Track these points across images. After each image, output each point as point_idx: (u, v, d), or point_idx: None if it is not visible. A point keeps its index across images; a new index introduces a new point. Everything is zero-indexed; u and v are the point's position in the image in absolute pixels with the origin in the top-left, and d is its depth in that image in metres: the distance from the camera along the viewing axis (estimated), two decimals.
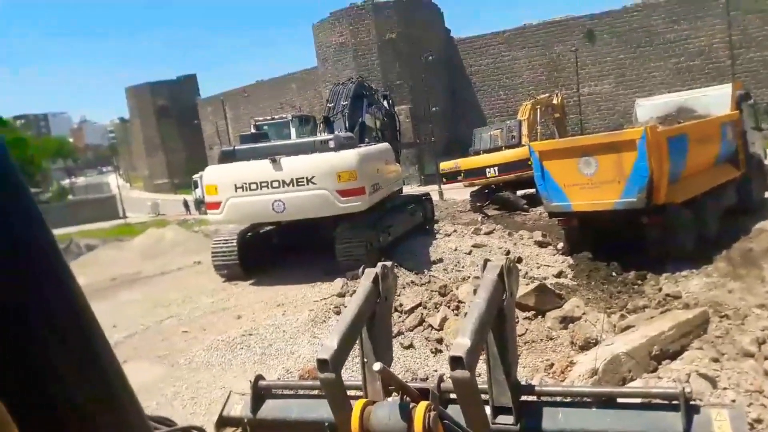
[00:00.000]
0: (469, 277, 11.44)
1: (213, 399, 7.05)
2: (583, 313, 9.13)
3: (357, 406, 2.43)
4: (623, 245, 12.52)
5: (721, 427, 2.22)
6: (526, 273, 11.91)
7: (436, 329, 9.01)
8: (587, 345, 7.99)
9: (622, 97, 43.66)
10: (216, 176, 12.57)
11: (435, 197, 22.72)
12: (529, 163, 14.26)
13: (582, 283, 11.69)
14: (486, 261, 2.74)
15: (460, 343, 2.32)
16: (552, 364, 7.50)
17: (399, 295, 9.63)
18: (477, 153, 23.60)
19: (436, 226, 16.27)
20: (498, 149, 22.80)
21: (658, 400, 2.46)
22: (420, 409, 2.32)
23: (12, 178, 0.64)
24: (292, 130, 16.13)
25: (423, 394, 2.52)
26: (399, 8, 47.74)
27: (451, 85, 49.27)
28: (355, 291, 3.11)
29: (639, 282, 11.48)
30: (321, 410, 2.81)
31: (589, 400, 3.10)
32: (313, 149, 12.12)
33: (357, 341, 2.90)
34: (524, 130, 22.99)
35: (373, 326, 2.94)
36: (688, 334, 7.13)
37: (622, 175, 12.09)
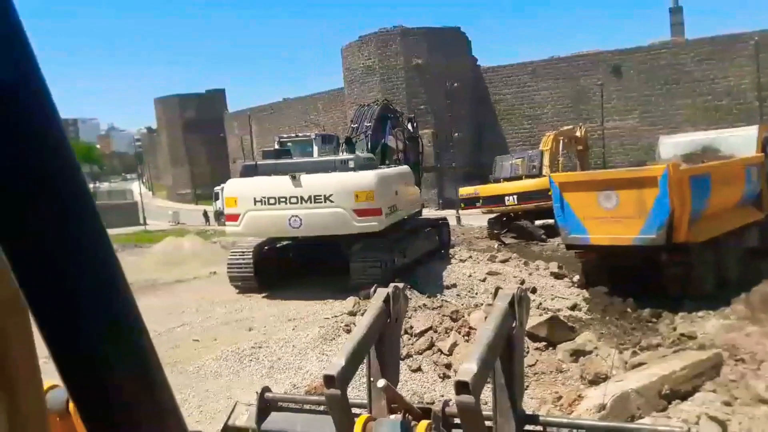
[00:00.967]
0: (482, 304, 11.38)
1: (219, 408, 7.07)
2: (595, 348, 9.02)
3: (359, 421, 2.46)
4: (640, 282, 12.37)
5: None
6: (540, 304, 11.82)
7: (445, 354, 8.96)
8: (597, 380, 7.88)
9: (646, 133, 43.36)
10: (237, 189, 12.77)
11: (452, 222, 22.70)
12: (549, 193, 14.23)
13: (596, 318, 11.57)
14: (497, 289, 2.77)
15: (467, 368, 2.34)
16: (560, 397, 7.42)
17: (410, 318, 9.62)
18: (497, 180, 23.59)
19: (451, 251, 16.24)
20: (518, 178, 22.76)
21: None
22: (421, 428, 2.34)
23: (78, 179, 0.69)
24: (315, 149, 16.30)
25: (425, 414, 2.54)
26: (427, 35, 48.25)
27: (475, 113, 49.42)
28: (366, 310, 3.15)
29: (654, 320, 11.32)
30: (325, 426, 2.83)
31: None
32: (333, 168, 12.26)
33: (365, 360, 2.93)
34: (546, 161, 22.94)
35: (381, 346, 2.97)
36: (701, 376, 7.01)
37: (643, 211, 12.01)
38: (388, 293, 2.99)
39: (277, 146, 16.49)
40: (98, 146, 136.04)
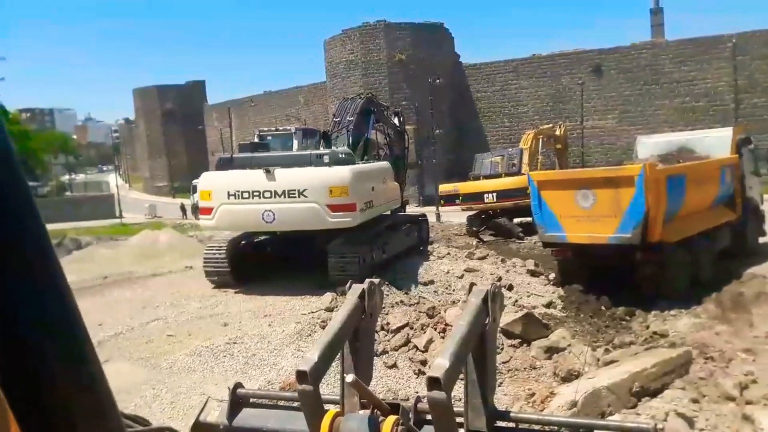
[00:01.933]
0: (459, 300, 11.43)
1: (192, 404, 7.02)
2: (569, 345, 9.12)
3: (327, 417, 2.45)
4: (615, 280, 12.53)
5: None
6: (516, 301, 11.90)
7: (421, 351, 8.99)
8: (569, 377, 7.97)
9: (624, 133, 43.89)
10: (211, 182, 12.67)
11: (432, 218, 22.75)
12: (528, 191, 14.34)
13: (570, 315, 11.69)
14: (472, 285, 2.78)
15: (439, 364, 2.34)
16: (533, 394, 7.49)
17: (387, 314, 9.63)
18: (477, 178, 23.70)
19: (430, 248, 16.28)
20: (498, 176, 22.89)
21: None
22: (388, 423, 2.34)
23: (11, 167, 0.68)
24: (295, 143, 16.20)
25: (394, 409, 2.54)
26: (411, 30, 48.28)
27: (457, 110, 49.58)
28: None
29: (627, 318, 11.48)
30: (298, 422, 2.81)
31: (564, 430, 3.12)
32: (308, 163, 12.20)
33: (338, 356, 2.92)
34: (525, 159, 23.11)
35: (355, 342, 2.96)
36: (671, 373, 7.13)
37: (619, 210, 12.15)
38: (363, 289, 2.98)
39: (256, 140, 16.35)
40: (74, 137, 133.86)
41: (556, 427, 3.36)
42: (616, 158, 39.32)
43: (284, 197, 11.83)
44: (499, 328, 4.06)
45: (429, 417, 2.65)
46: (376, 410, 2.54)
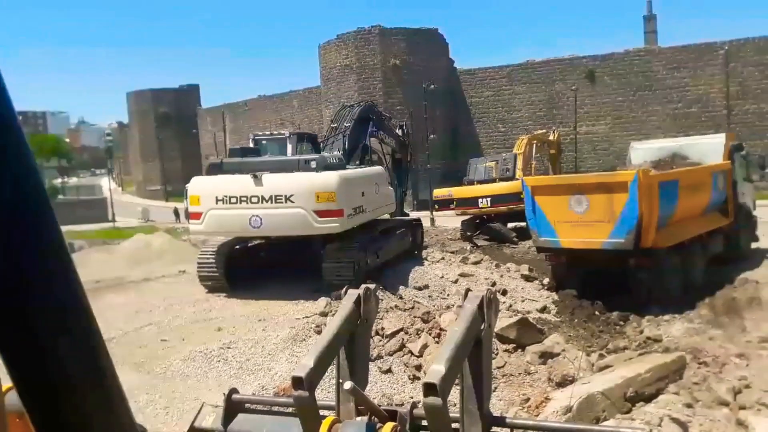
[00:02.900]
0: (453, 305, 11.43)
1: (186, 410, 6.98)
2: (563, 350, 9.14)
3: (325, 423, 2.45)
4: (609, 285, 12.57)
5: None
6: (510, 306, 11.92)
7: (416, 355, 8.98)
8: (564, 382, 7.99)
9: (618, 139, 44.11)
10: (200, 187, 12.66)
11: (426, 223, 22.77)
12: (522, 196, 14.37)
13: (565, 320, 11.72)
14: (467, 291, 2.78)
15: (435, 370, 2.35)
16: (528, 399, 7.49)
17: (381, 319, 9.62)
18: (471, 183, 23.74)
19: (424, 253, 16.29)
20: (492, 181, 22.94)
21: None
22: (386, 430, 2.34)
23: (32, 175, 0.69)
24: (289, 147, 16.20)
25: (392, 416, 2.54)
26: (405, 35, 48.42)
27: (451, 115, 49.71)
28: (337, 311, 3.14)
29: (621, 323, 11.52)
30: (293, 428, 2.81)
31: None
32: (295, 168, 12.20)
33: (334, 361, 2.92)
34: (519, 164, 23.16)
35: (351, 347, 2.96)
36: (665, 378, 7.15)
37: (612, 215, 12.20)
38: (358, 294, 2.98)
39: (252, 144, 16.36)
40: (67, 140, 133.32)
41: None
42: (609, 164, 39.52)
43: (271, 202, 11.82)
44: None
45: (425, 423, 2.65)
46: (373, 417, 2.54)
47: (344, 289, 3.13)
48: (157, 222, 48.71)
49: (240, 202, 12.00)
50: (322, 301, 10.84)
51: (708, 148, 15.76)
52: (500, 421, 2.80)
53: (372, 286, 3.11)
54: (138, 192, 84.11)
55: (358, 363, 2.99)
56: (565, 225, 12.80)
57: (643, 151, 16.86)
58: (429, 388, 2.27)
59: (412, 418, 2.72)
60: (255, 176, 11.90)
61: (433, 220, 29.35)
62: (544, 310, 12.35)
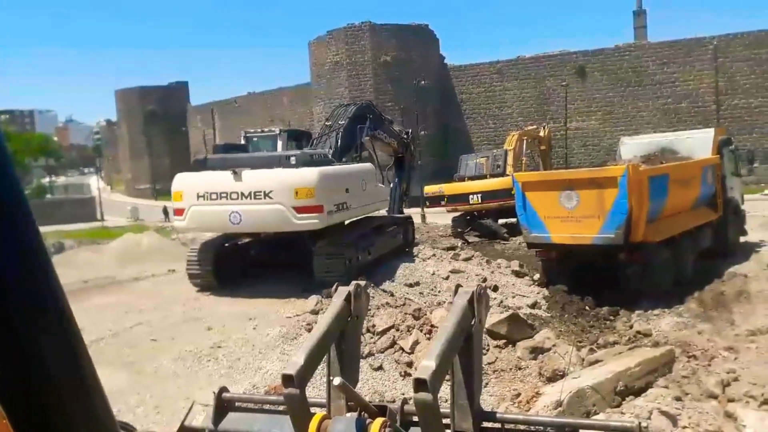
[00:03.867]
0: (444, 301, 11.44)
1: (176, 409, 6.93)
2: (554, 345, 9.17)
3: (314, 420, 2.44)
4: (599, 280, 12.63)
5: None
6: (501, 302, 11.95)
7: (407, 352, 8.98)
8: (554, 377, 8.02)
9: (608, 134, 44.35)
10: (183, 184, 12.65)
11: (417, 220, 22.78)
12: (512, 192, 14.39)
13: (555, 315, 11.76)
14: (458, 287, 2.78)
15: (426, 365, 2.34)
16: (519, 394, 7.52)
17: (372, 316, 9.61)
18: (462, 179, 23.77)
19: (415, 249, 16.29)
20: (482, 177, 22.99)
21: None
22: (375, 425, 2.34)
23: (8, 174, 0.68)
24: (279, 144, 16.15)
25: (382, 411, 2.54)
26: (396, 32, 48.39)
27: (442, 111, 49.75)
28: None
29: (611, 318, 11.58)
30: (284, 426, 2.80)
31: (550, 430, 3.12)
32: (276, 164, 12.18)
33: (325, 359, 2.91)
34: (510, 160, 23.23)
35: (342, 344, 2.95)
36: (654, 372, 7.20)
37: (603, 210, 12.25)
38: (349, 291, 2.97)
39: (243, 140, 16.31)
40: (55, 138, 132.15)
41: (541, 427, 3.38)
42: (599, 159, 39.71)
43: (250, 198, 11.80)
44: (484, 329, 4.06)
45: (416, 418, 2.65)
46: (363, 412, 2.54)
47: (335, 287, 3.12)
48: (146, 221, 48.43)
49: (220, 198, 12.01)
50: (313, 299, 10.82)
51: (697, 143, 15.85)
52: (491, 416, 2.80)
53: (363, 283, 3.10)
54: (127, 191, 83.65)
55: (348, 360, 2.98)
56: (555, 220, 12.84)
57: (633, 146, 16.94)
58: (419, 384, 2.27)
59: (403, 414, 2.71)
60: (235, 172, 11.89)
61: (424, 217, 29.35)
62: (534, 305, 12.39)
